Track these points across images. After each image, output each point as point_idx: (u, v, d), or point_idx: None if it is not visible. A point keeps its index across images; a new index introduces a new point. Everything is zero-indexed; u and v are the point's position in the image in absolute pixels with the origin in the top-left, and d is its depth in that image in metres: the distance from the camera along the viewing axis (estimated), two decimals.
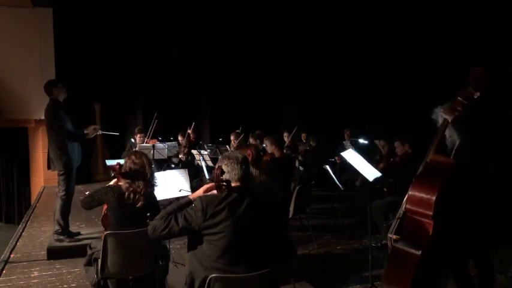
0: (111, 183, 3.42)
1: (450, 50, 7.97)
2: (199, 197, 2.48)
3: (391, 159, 5.58)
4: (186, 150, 7.53)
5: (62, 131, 4.90)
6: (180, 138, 7.87)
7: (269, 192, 4.36)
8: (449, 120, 3.16)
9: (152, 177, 3.31)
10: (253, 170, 4.23)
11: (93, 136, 5.32)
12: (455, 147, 3.19)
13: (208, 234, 2.38)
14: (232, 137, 7.35)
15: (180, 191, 4.22)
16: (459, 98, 3.12)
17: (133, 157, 3.28)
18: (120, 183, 3.27)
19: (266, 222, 2.49)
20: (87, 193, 3.70)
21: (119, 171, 3.21)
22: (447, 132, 3.23)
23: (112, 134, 5.64)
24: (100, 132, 5.36)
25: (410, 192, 3.04)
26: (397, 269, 2.97)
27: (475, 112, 3.11)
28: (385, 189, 5.39)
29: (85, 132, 5.14)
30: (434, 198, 2.88)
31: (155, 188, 3.37)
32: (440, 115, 3.26)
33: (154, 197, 3.41)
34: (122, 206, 3.18)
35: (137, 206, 3.19)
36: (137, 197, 3.18)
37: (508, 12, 6.58)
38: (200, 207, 2.39)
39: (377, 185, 4.94)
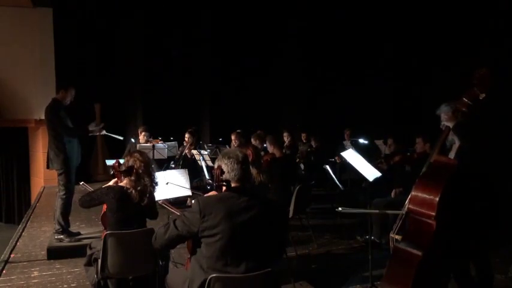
0: (111, 183, 3.41)
1: (450, 50, 7.97)
2: (197, 198, 2.45)
3: (408, 154, 5.44)
4: (192, 147, 7.49)
5: (63, 128, 4.91)
6: (187, 135, 7.74)
7: (269, 192, 4.36)
8: (451, 127, 3.17)
9: (154, 176, 3.31)
10: (252, 171, 4.23)
11: (96, 134, 5.37)
12: (456, 149, 3.19)
13: (207, 236, 2.35)
14: (233, 137, 7.34)
15: (167, 183, 4.15)
16: (464, 98, 3.10)
17: (135, 154, 3.27)
18: (121, 183, 3.26)
19: (265, 223, 2.46)
20: (89, 189, 3.67)
21: (118, 169, 3.21)
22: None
23: (116, 136, 5.68)
24: (104, 132, 5.38)
25: (413, 193, 3.02)
26: (399, 269, 2.96)
27: (480, 113, 3.11)
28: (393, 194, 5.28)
29: (90, 129, 5.18)
30: (437, 199, 2.85)
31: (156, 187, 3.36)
32: (442, 123, 3.28)
33: (154, 197, 3.42)
34: (122, 207, 3.17)
35: (142, 204, 3.19)
36: (143, 195, 3.18)
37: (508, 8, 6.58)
38: (197, 208, 2.37)
39: (381, 183, 4.86)
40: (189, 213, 2.41)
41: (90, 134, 5.27)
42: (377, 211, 4.09)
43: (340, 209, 3.37)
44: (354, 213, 3.84)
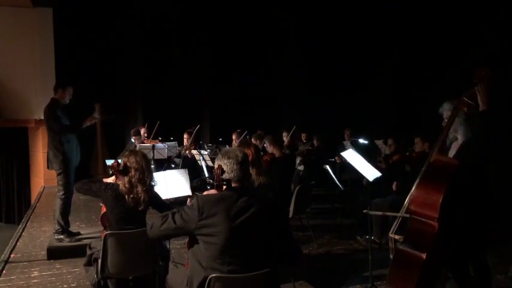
0: (110, 179, 3.40)
1: (450, 50, 7.97)
2: (197, 196, 2.46)
3: (407, 153, 5.44)
4: (192, 147, 7.49)
5: (59, 127, 4.89)
6: (186, 136, 7.75)
7: (269, 192, 4.35)
8: (465, 110, 3.08)
9: (151, 180, 3.28)
10: (251, 171, 4.22)
11: (91, 124, 5.24)
12: (458, 147, 3.17)
13: (206, 235, 2.36)
14: (234, 136, 7.35)
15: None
16: (465, 98, 3.07)
17: (132, 158, 3.23)
18: (119, 182, 3.25)
19: (265, 223, 2.46)
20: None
21: (117, 169, 3.20)
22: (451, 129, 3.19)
23: (109, 116, 5.61)
24: (97, 118, 5.27)
25: (415, 194, 2.99)
26: (402, 271, 2.92)
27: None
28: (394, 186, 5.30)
29: (83, 126, 5.11)
30: (440, 200, 2.82)
31: (154, 187, 3.35)
32: (447, 111, 3.23)
33: (159, 197, 3.42)
34: (120, 205, 3.17)
35: (139, 209, 3.19)
36: (138, 203, 3.17)
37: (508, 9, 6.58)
38: (196, 206, 2.38)
39: (381, 183, 4.86)
40: (188, 209, 2.43)
41: (84, 126, 5.15)
42: (404, 214, 4.01)
43: (366, 211, 3.41)
44: (380, 215, 3.96)
